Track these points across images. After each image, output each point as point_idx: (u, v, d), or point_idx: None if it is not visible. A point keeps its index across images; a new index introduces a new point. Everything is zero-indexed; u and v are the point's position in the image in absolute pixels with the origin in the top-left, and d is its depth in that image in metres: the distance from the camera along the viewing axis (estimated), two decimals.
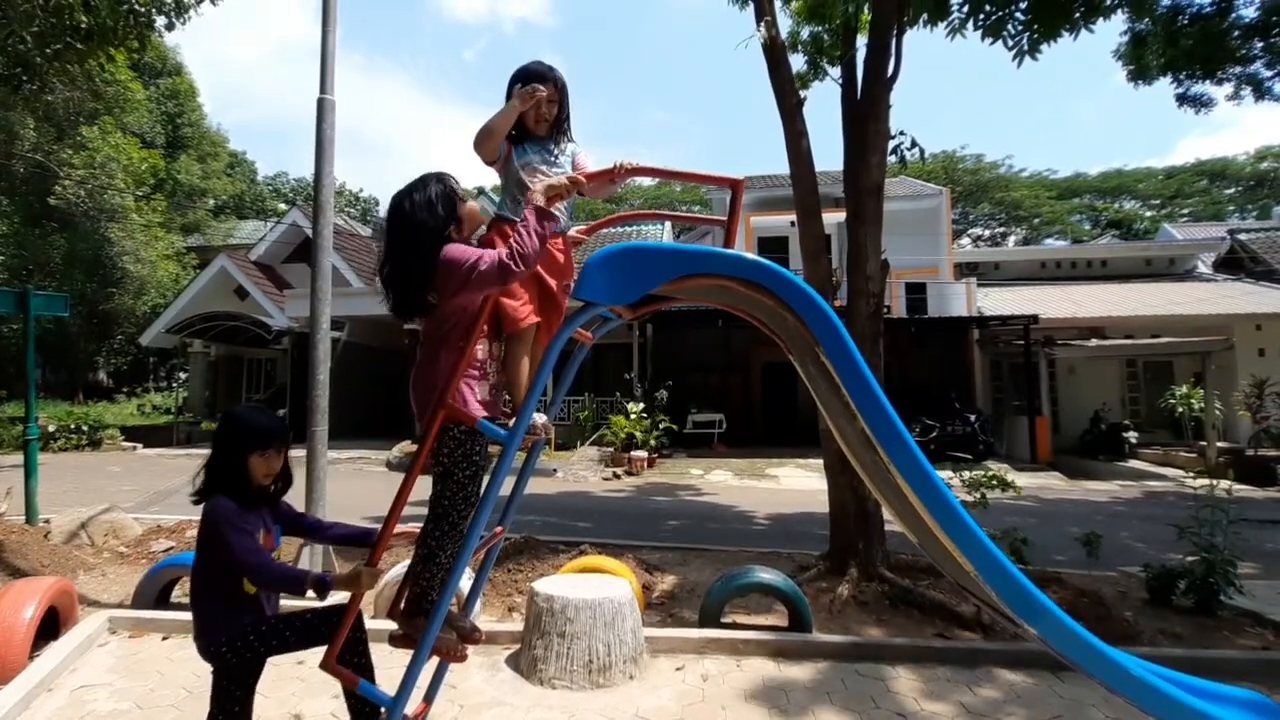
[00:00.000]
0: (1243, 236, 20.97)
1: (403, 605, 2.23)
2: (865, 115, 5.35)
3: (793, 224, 13.65)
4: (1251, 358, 15.43)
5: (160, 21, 6.54)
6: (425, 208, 2.06)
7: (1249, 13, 8.54)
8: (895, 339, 12.70)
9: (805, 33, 7.31)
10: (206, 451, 2.13)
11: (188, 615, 4.12)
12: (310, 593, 1.97)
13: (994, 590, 1.94)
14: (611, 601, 3.60)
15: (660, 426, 14.05)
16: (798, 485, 11.44)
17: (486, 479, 2.17)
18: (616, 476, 12.30)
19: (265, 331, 16.81)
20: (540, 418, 2.16)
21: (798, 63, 7.36)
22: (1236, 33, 8.60)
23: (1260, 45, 8.75)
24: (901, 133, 5.71)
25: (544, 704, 3.28)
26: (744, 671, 3.66)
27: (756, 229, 18.00)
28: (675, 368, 16.36)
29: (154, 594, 4.48)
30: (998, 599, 1.96)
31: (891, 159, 5.64)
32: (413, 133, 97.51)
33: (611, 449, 13.59)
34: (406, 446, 14.18)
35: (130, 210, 20.00)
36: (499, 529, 2.52)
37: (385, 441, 14.78)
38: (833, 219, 7.17)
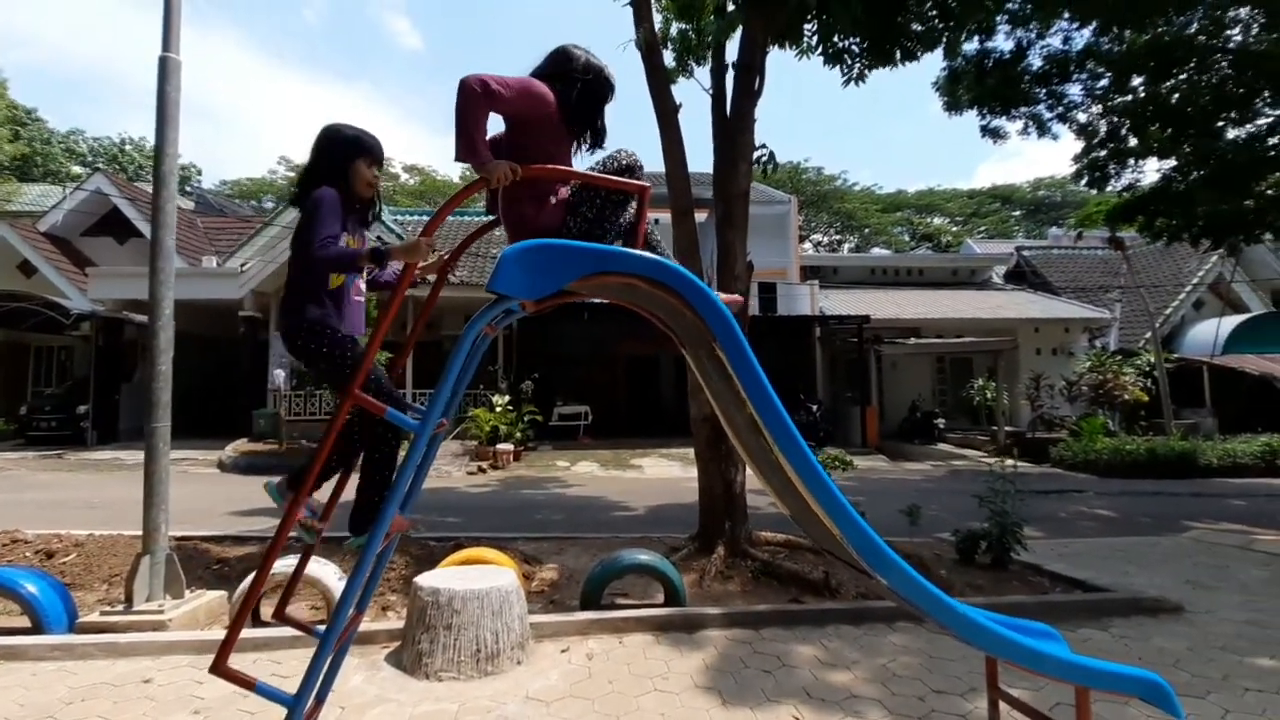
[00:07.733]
0: (1026, 253, 24.86)
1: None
2: (735, 128, 5.76)
3: (657, 221, 14.14)
4: (1031, 356, 18.37)
5: None
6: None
7: (1036, 62, 10.24)
8: (749, 335, 13.59)
9: (674, 29, 7.55)
10: None
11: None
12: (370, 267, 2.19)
13: (856, 550, 2.28)
14: (499, 590, 3.64)
15: (526, 419, 13.98)
16: (662, 474, 11.93)
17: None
18: (482, 470, 12.10)
19: (61, 315, 14.47)
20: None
21: (666, 58, 7.56)
22: (1027, 78, 10.29)
23: (1043, 91, 10.53)
24: (763, 145, 6.22)
25: (432, 696, 3.26)
26: (627, 647, 3.87)
27: None
28: (541, 360, 16.32)
29: None
30: (859, 558, 2.30)
31: (755, 168, 6.11)
32: (246, 96, 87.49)
33: (476, 442, 13.32)
34: (242, 445, 12.92)
35: None
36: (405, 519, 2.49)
37: (213, 441, 13.31)
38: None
